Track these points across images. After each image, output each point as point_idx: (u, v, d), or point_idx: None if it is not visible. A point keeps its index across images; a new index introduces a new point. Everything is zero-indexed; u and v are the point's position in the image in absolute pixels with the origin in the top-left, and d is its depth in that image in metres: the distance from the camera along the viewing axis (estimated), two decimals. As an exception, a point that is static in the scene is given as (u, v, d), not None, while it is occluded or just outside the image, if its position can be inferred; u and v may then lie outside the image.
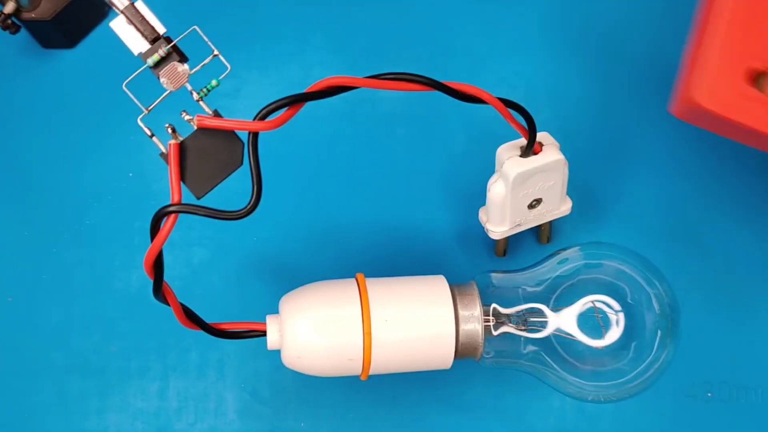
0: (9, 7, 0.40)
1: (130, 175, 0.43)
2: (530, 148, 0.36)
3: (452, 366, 0.35)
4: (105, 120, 0.43)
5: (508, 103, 0.33)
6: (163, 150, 0.30)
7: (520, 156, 0.36)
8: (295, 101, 0.29)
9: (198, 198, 0.30)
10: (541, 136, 0.37)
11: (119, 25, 0.29)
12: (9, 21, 0.41)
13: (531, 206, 0.38)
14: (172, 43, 0.29)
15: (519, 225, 0.39)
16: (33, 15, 0.41)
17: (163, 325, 0.42)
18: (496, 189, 0.37)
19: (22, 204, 0.43)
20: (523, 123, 0.34)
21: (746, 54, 0.31)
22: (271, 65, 0.43)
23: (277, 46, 0.43)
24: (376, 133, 0.39)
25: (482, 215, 0.40)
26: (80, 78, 0.43)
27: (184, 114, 0.29)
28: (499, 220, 0.39)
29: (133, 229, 0.42)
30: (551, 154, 0.36)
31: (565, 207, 0.40)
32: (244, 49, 0.44)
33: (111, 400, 0.41)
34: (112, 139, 0.43)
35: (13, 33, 0.41)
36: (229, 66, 0.29)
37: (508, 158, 0.36)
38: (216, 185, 0.30)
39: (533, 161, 0.36)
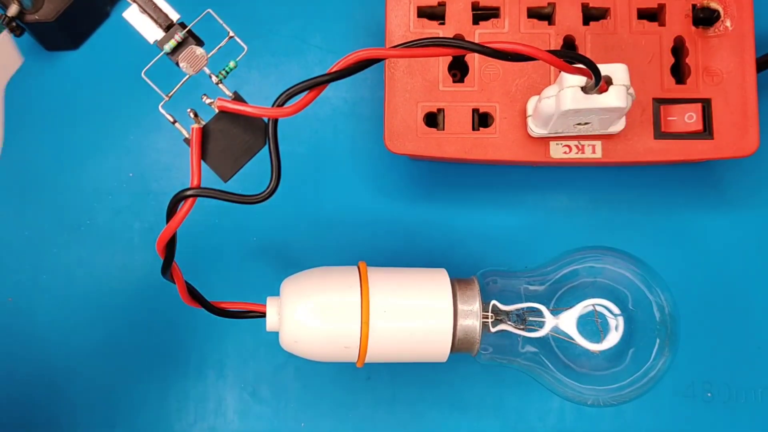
0: (12, 10, 0.41)
1: (130, 175, 0.43)
2: (593, 89, 0.32)
3: (452, 365, 0.35)
4: (106, 120, 0.43)
5: (562, 54, 0.29)
6: (186, 135, 0.30)
7: (582, 89, 0.32)
8: (316, 84, 0.28)
9: (225, 181, 0.30)
10: (614, 71, 0.32)
11: (132, 15, 0.29)
12: (13, 24, 0.41)
13: (578, 124, 0.36)
14: (187, 28, 0.29)
15: (559, 134, 0.37)
16: (36, 17, 0.41)
17: (162, 325, 0.42)
18: (546, 104, 0.34)
19: (22, 204, 0.43)
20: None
21: (414, 103, 0.38)
22: (271, 65, 0.44)
23: (277, 46, 0.44)
24: (378, 129, 0.39)
25: (530, 106, 0.37)
26: (84, 78, 0.44)
27: (205, 97, 0.29)
28: (542, 124, 0.36)
29: (133, 229, 0.43)
30: (615, 99, 0.32)
31: (613, 128, 0.37)
32: (242, 49, 0.44)
33: (111, 400, 0.41)
34: (113, 139, 0.43)
35: (18, 36, 0.42)
36: (245, 47, 0.29)
37: (569, 86, 0.32)
38: (241, 167, 0.30)
39: (592, 101, 0.32)
